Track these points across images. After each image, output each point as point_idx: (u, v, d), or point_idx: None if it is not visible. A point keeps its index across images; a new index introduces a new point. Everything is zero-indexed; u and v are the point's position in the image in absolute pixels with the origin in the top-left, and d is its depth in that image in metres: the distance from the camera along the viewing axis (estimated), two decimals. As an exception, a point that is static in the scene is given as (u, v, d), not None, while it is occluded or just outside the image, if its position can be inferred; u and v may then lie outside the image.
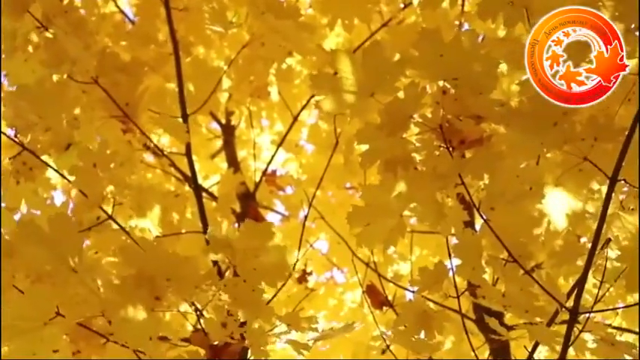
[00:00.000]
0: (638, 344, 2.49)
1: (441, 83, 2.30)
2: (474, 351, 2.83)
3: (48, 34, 3.18)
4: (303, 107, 4.64)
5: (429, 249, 4.98)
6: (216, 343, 2.45)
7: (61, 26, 3.14)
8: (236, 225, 4.05)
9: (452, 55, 2.25)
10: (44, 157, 3.00)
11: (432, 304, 2.73)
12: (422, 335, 2.65)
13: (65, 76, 3.19)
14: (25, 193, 3.16)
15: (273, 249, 2.42)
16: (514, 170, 2.39)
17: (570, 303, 2.36)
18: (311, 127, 5.24)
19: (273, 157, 4.72)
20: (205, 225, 3.75)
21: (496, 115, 2.33)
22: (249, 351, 2.48)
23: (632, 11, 2.23)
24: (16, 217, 3.16)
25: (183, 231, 3.81)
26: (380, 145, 2.38)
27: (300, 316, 2.46)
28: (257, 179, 4.72)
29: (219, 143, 5.55)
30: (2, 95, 3.17)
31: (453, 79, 2.28)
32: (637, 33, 2.28)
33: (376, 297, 3.94)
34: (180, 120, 3.82)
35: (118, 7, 4.42)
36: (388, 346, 2.86)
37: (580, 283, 2.33)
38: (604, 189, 2.29)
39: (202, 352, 2.48)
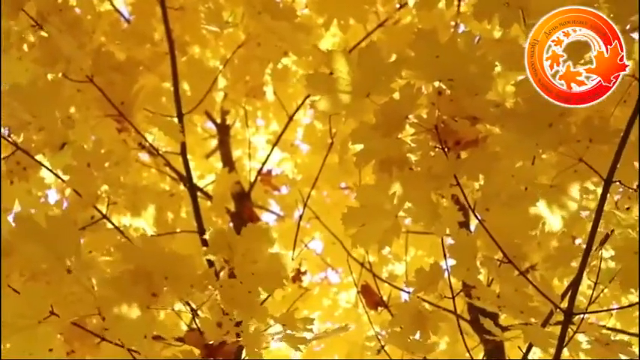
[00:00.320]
0: (633, 345, 2.50)
1: (436, 84, 2.30)
2: (468, 351, 2.83)
3: (43, 33, 3.18)
4: (299, 107, 4.64)
5: (424, 249, 4.99)
6: (211, 342, 2.44)
7: (55, 25, 3.14)
8: (231, 224, 4.06)
9: (448, 56, 2.25)
10: (38, 157, 2.99)
11: (426, 305, 2.73)
12: (417, 336, 2.65)
13: (60, 74, 3.18)
14: (18, 192, 3.14)
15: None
16: (509, 171, 2.39)
17: (565, 304, 2.36)
18: (306, 126, 5.24)
19: (268, 156, 4.72)
20: (200, 224, 3.75)
21: (491, 116, 2.33)
22: (244, 351, 2.48)
23: (627, 12, 2.23)
24: (10, 217, 3.15)
25: (178, 230, 3.81)
26: (375, 145, 2.38)
27: (294, 317, 2.45)
28: (252, 179, 4.71)
29: (214, 143, 5.55)
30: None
31: (449, 80, 2.28)
32: (633, 34, 2.28)
33: (371, 297, 3.93)
34: (176, 119, 3.82)
35: (113, 5, 4.42)
36: (383, 347, 2.86)
37: (574, 285, 2.33)
38: (599, 190, 2.29)
39: (197, 351, 2.48)
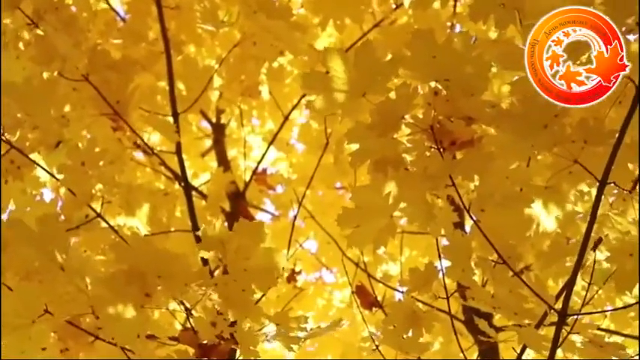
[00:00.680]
0: (627, 346, 2.50)
1: (432, 84, 2.30)
2: (462, 352, 2.83)
3: (39, 31, 3.17)
4: (294, 107, 4.64)
5: (419, 250, 4.99)
6: (205, 342, 2.44)
7: (51, 23, 3.13)
8: (226, 224, 4.05)
9: (444, 57, 2.25)
10: (33, 155, 2.98)
11: (421, 305, 2.73)
12: (410, 335, 2.65)
13: (56, 73, 3.18)
14: (13, 191, 3.14)
15: (264, 251, 2.41)
16: (504, 172, 2.39)
17: (559, 305, 2.36)
18: (302, 126, 5.23)
19: (263, 155, 4.72)
20: (195, 224, 3.75)
21: (487, 116, 2.33)
22: (238, 351, 2.47)
23: (623, 14, 2.23)
24: (4, 216, 3.15)
25: (172, 229, 3.80)
26: (370, 145, 2.38)
27: (289, 316, 2.45)
28: (247, 178, 4.71)
29: (209, 142, 5.54)
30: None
31: (445, 80, 2.28)
32: (628, 36, 2.28)
33: (365, 297, 3.94)
34: (171, 118, 3.82)
35: (109, 4, 4.40)
36: (377, 347, 2.86)
37: (569, 285, 2.33)
38: (594, 191, 2.29)
39: (191, 351, 2.47)
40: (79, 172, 2.92)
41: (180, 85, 4.25)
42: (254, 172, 4.72)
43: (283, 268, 2.46)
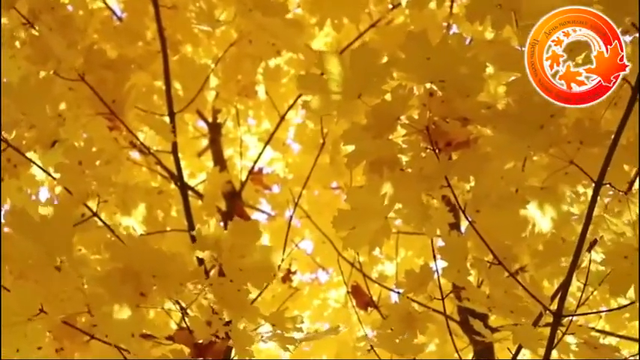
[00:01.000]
0: (621, 347, 2.51)
1: (428, 85, 2.30)
2: (457, 352, 2.83)
3: (34, 31, 3.17)
4: (290, 107, 4.64)
5: (414, 250, 5.00)
6: (200, 341, 2.44)
7: (47, 23, 3.13)
8: (222, 224, 4.05)
9: (439, 58, 2.25)
10: (29, 154, 2.98)
11: (416, 306, 2.73)
12: (406, 336, 2.66)
13: (52, 72, 3.17)
14: (9, 190, 3.13)
15: (260, 249, 2.41)
16: (500, 173, 2.39)
17: (554, 306, 2.36)
18: (298, 126, 5.24)
19: (259, 155, 4.72)
20: (191, 223, 3.75)
21: (483, 117, 2.33)
22: (233, 350, 2.47)
23: (620, 15, 2.24)
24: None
25: (168, 229, 3.80)
26: (366, 146, 2.38)
27: (284, 316, 2.45)
28: (243, 178, 4.71)
29: (205, 141, 5.54)
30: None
31: (440, 81, 2.28)
32: (625, 37, 2.29)
33: (361, 298, 3.94)
34: (167, 118, 3.82)
35: (105, 3, 4.41)
36: (372, 347, 2.86)
37: (564, 286, 2.33)
38: (589, 192, 2.29)
39: (187, 350, 2.47)
40: (75, 171, 2.92)
41: (176, 85, 4.26)
42: (250, 171, 4.72)
43: (279, 267, 2.46)
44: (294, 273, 4.83)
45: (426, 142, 2.33)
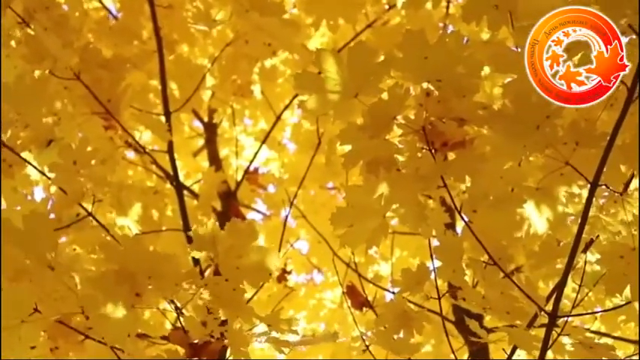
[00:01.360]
0: (616, 348, 2.51)
1: (424, 85, 2.30)
2: (453, 353, 2.84)
3: (29, 30, 3.16)
4: (286, 106, 4.64)
5: (410, 250, 5.00)
6: (195, 341, 2.44)
7: (42, 22, 3.12)
8: (217, 223, 4.06)
9: (436, 57, 2.25)
10: (24, 154, 2.97)
11: (412, 306, 2.73)
12: (401, 336, 2.65)
13: (47, 71, 3.17)
14: (4, 190, 3.13)
15: (256, 249, 2.41)
16: (496, 173, 2.39)
17: (549, 306, 2.36)
18: (294, 126, 5.24)
19: (255, 155, 4.72)
20: (186, 223, 3.75)
21: (479, 117, 2.33)
22: (229, 350, 2.47)
23: (617, 16, 2.23)
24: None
25: (164, 228, 3.80)
26: (363, 146, 2.37)
27: (280, 317, 2.45)
28: (239, 177, 4.71)
29: (201, 141, 5.54)
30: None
31: (437, 81, 2.28)
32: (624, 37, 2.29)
33: (356, 298, 3.93)
34: (163, 117, 3.81)
35: (101, 2, 4.40)
36: (367, 347, 2.86)
37: (559, 287, 2.33)
38: (585, 193, 2.29)
39: (182, 350, 2.47)
40: (70, 170, 2.91)
41: (172, 84, 4.25)
42: (246, 171, 4.72)
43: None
44: (290, 273, 4.83)
45: (423, 142, 2.33)
